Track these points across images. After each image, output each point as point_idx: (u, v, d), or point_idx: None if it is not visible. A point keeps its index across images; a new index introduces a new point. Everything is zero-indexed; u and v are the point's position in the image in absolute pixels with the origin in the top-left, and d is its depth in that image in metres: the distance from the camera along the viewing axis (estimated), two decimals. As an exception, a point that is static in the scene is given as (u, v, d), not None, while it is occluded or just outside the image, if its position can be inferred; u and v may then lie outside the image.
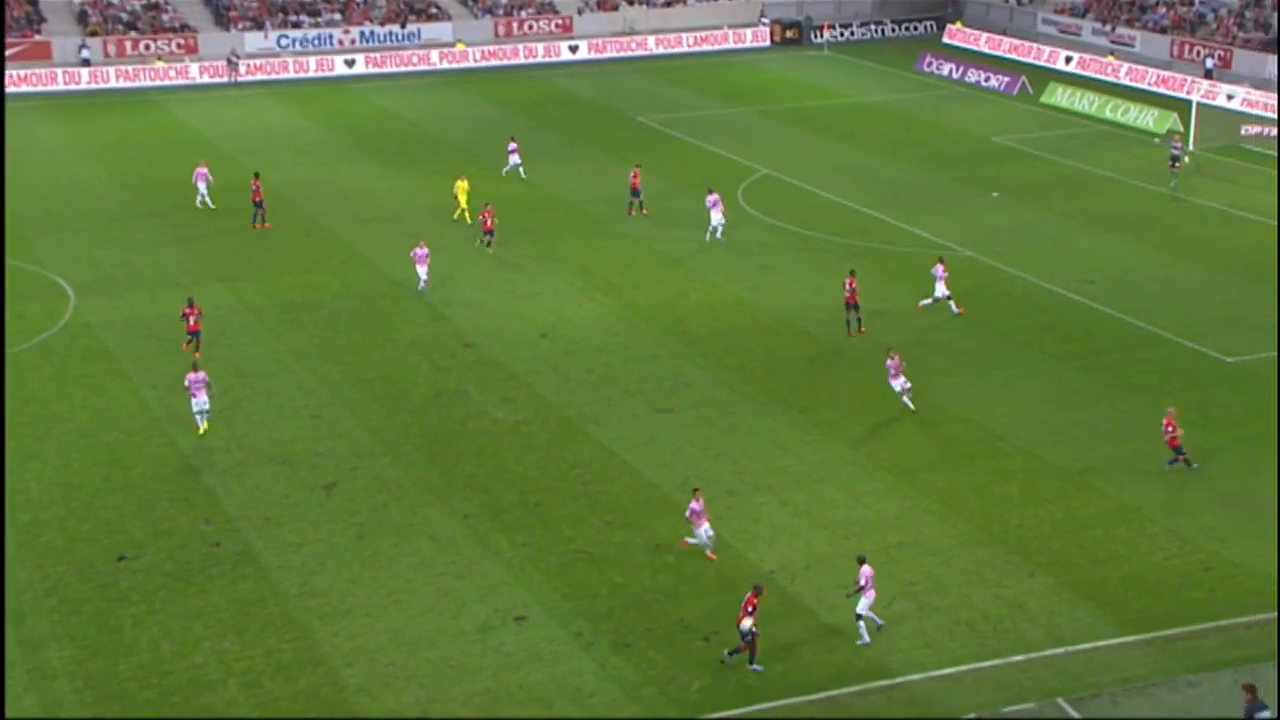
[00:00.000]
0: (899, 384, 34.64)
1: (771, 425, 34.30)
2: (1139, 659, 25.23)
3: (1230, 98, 59.61)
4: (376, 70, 75.46)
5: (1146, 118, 62.25)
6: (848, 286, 39.56)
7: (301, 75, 74.29)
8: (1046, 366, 37.37)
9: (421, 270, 42.56)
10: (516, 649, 25.72)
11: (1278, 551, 28.13)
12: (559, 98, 70.28)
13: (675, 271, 44.71)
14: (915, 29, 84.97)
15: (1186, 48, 70.53)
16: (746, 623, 24.75)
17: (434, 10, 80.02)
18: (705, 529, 28.40)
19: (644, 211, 49.91)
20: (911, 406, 34.63)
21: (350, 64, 75.59)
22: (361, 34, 77.42)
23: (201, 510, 30.51)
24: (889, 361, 34.79)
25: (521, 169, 54.26)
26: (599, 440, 33.61)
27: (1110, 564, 28.05)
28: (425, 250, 42.73)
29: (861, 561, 26.11)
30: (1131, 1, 76.67)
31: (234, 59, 73.38)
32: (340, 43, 76.96)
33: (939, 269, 40.79)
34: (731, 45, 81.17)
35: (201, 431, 33.51)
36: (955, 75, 73.39)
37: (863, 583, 25.76)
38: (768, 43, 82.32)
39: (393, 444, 33.54)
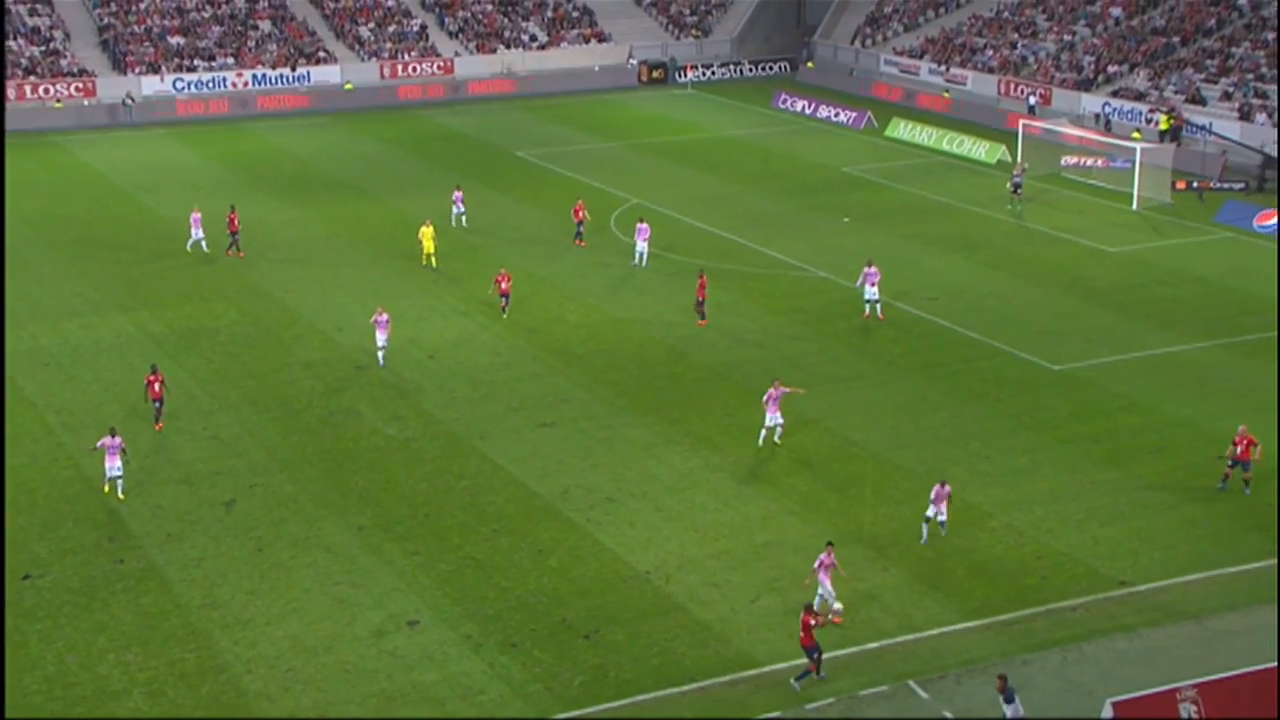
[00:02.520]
0: (772, 418, 33.22)
1: (646, 436, 34.31)
2: (980, 642, 25.62)
3: (1050, 131, 60.96)
4: (269, 110, 74.45)
5: (978, 149, 63.54)
6: (700, 284, 41.59)
7: (197, 116, 73.02)
8: (895, 377, 37.89)
9: (380, 337, 38.29)
10: (409, 652, 25.38)
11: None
12: (442, 135, 69.85)
13: (554, 295, 44.60)
14: (771, 69, 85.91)
15: (1012, 86, 72.13)
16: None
17: (322, 54, 79.12)
18: (826, 587, 26.11)
19: (581, 243, 49.19)
20: (777, 442, 33.41)
21: (243, 105, 74.49)
22: (254, 76, 76.26)
23: (105, 529, 29.71)
24: (771, 391, 33.45)
25: (464, 217, 51.77)
26: (484, 454, 33.36)
27: (955, 557, 28.47)
28: (386, 317, 38.71)
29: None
30: (963, 44, 78.27)
31: (129, 101, 71.87)
32: (233, 85, 75.73)
33: (871, 271, 41.33)
34: (602, 85, 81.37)
35: (121, 497, 30.75)
36: (808, 111, 74.27)
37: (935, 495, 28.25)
38: (636, 82, 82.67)
39: (289, 462, 32.97)
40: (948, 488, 28.89)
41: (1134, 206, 54.31)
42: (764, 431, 33.37)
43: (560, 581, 27.75)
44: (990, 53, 76.11)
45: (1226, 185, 56.21)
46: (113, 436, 31.21)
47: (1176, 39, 70.01)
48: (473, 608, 26.79)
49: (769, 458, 33.02)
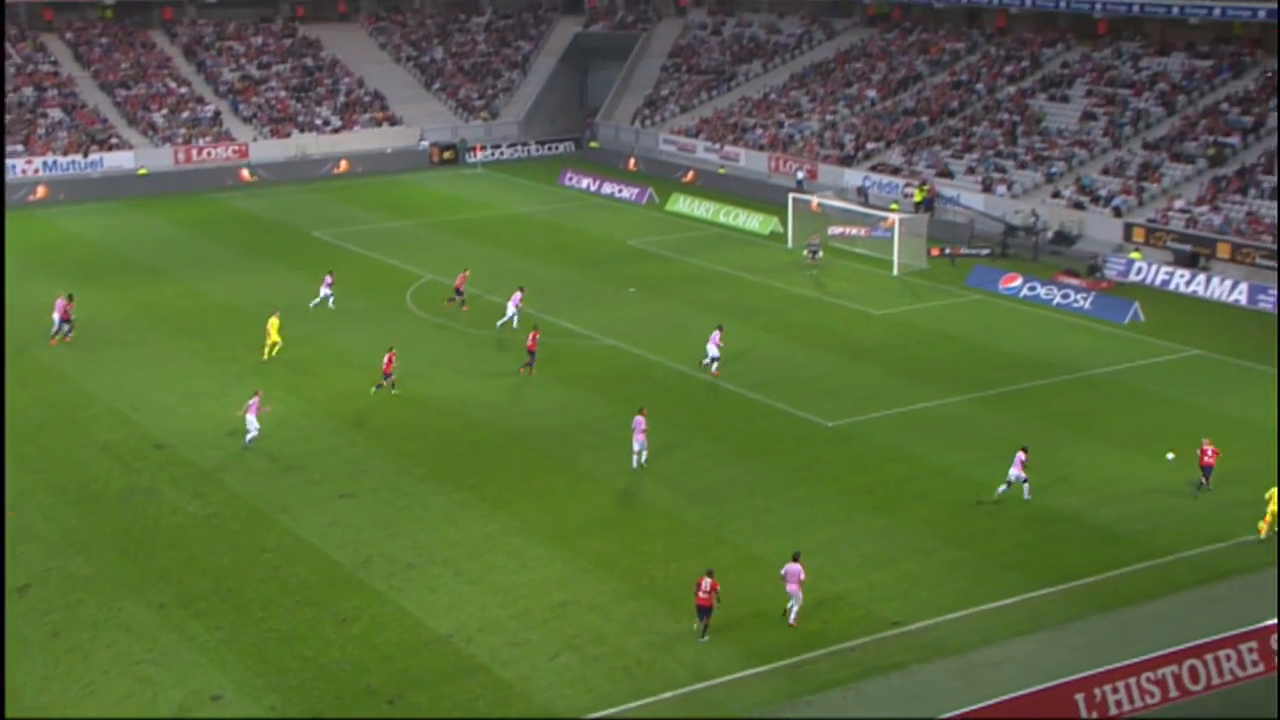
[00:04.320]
0: (639, 444, 35.40)
1: (445, 503, 33.97)
2: (768, 686, 25.97)
3: (818, 205, 62.82)
4: (61, 197, 71.73)
5: (752, 221, 65.21)
6: (531, 338, 43.29)
7: (-13, 201, 69.96)
8: (682, 437, 38.36)
9: (251, 418, 37.11)
10: (213, 728, 24.47)
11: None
12: (237, 217, 68.41)
13: (351, 369, 43.92)
14: (557, 148, 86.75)
15: (781, 162, 74.38)
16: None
17: (115, 140, 76.78)
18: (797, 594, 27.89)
19: (465, 308, 49.91)
20: (644, 465, 35.46)
21: (34, 191, 71.64)
22: (45, 163, 73.48)
23: (-108, 621, 27.89)
24: (638, 419, 35.60)
25: (331, 300, 50.44)
26: (286, 526, 32.53)
27: (742, 606, 28.84)
28: (258, 401, 37.66)
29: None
30: (735, 124, 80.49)
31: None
32: (24, 172, 72.79)
33: (715, 335, 43.47)
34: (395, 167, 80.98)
35: None
36: (593, 188, 75.16)
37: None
38: (428, 163, 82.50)
39: (86, 543, 31.57)
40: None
41: (895, 272, 56.40)
42: (634, 456, 35.43)
43: (363, 649, 27.15)
44: (760, 131, 78.40)
45: (974, 252, 58.86)
46: None
47: (925, 118, 73.33)
48: (276, 679, 25.98)
49: (568, 518, 33.03)
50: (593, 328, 48.46)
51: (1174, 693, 25.05)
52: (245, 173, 76.98)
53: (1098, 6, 72.27)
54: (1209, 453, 34.21)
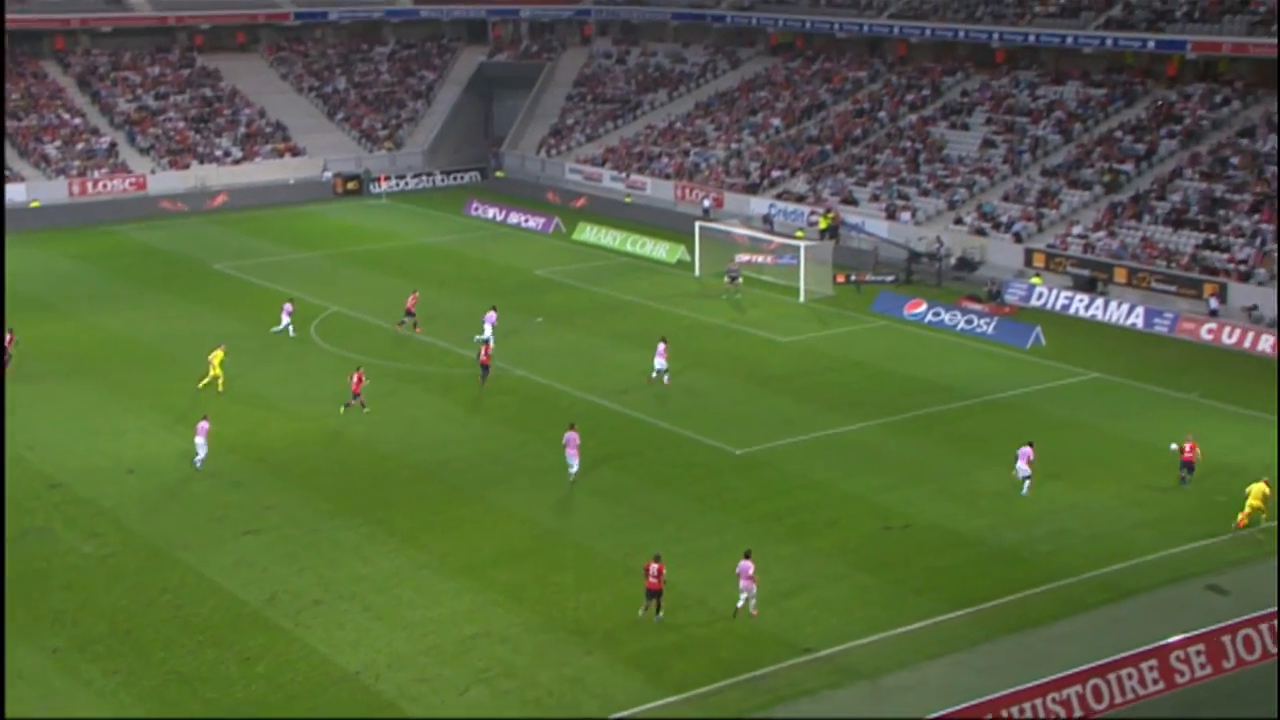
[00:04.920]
0: (571, 460, 36.83)
1: (352, 538, 33.57)
2: (680, 715, 25.94)
3: (724, 231, 63.26)
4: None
5: (659, 250, 65.50)
6: (483, 352, 44.94)
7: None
8: (592, 468, 38.24)
9: (200, 440, 37.53)
10: (112, 775, 23.86)
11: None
12: (136, 250, 67.26)
13: (256, 404, 43.31)
14: (462, 178, 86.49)
15: (687, 191, 74.89)
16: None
17: (6, 173, 75.14)
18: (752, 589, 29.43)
19: (418, 329, 50.51)
20: (573, 473, 36.74)
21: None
22: (-66, 194, 71.73)
23: None
24: (569, 435, 37.08)
25: (291, 329, 50.37)
26: (188, 565, 31.92)
27: (654, 636, 28.83)
28: (207, 424, 37.98)
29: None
30: (640, 153, 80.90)
31: None
32: (-89, 203, 70.99)
33: (661, 347, 45.18)
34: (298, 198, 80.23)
35: None
36: (499, 218, 75.03)
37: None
38: (331, 194, 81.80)
39: (-22, 588, 30.68)
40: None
41: (801, 299, 56.97)
42: (570, 473, 36.70)
43: (268, 689, 26.69)
44: (666, 160, 78.89)
45: (879, 278, 59.67)
46: None
47: (829, 146, 74.30)
48: (179, 724, 25.45)
49: (478, 550, 32.81)
50: (501, 358, 48.25)
51: (1078, 712, 25.48)
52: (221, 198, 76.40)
53: (995, 36, 73.94)
54: (1188, 449, 36.73)
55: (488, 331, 48.71)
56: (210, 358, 44.39)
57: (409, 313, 51.49)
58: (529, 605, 30.14)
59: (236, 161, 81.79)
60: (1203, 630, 27.18)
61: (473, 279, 61.03)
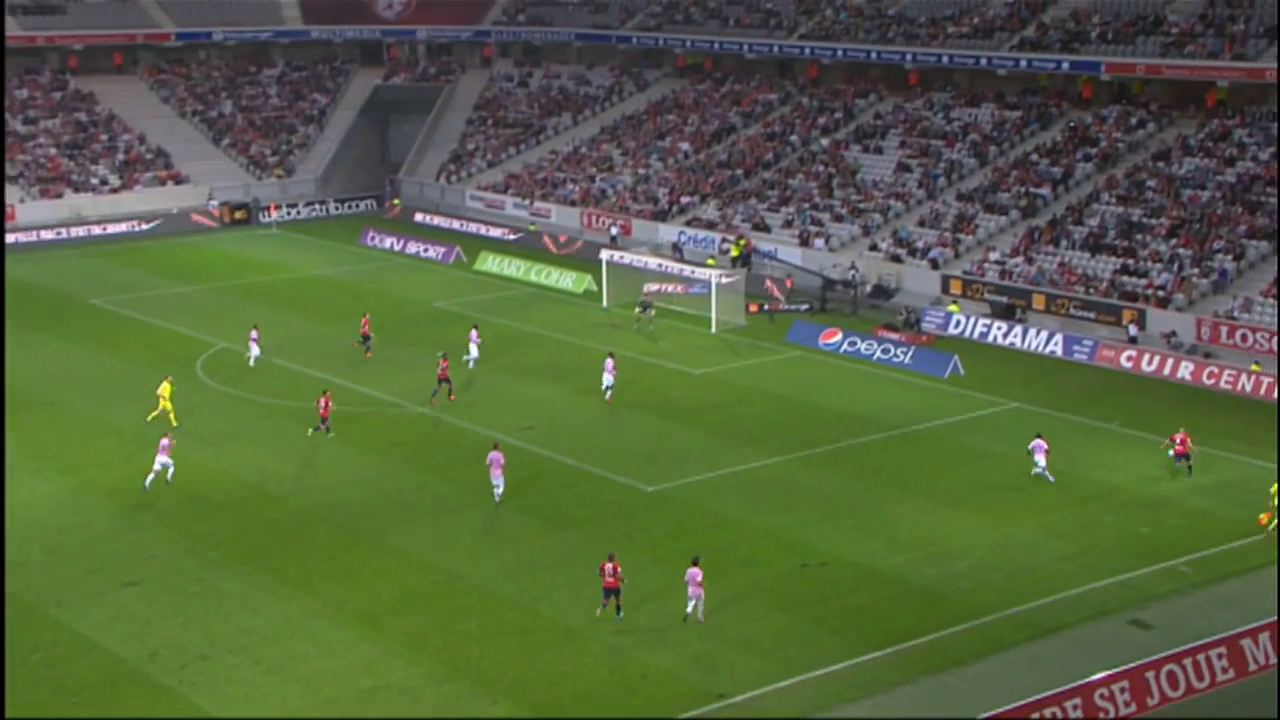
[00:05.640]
0: (497, 480, 38.06)
1: (241, 587, 33.07)
2: (593, 767, 25.87)
3: (632, 262, 63.34)
4: None
5: (566, 279, 65.60)
6: (440, 365, 46.59)
7: None
8: (490, 509, 38.09)
9: (163, 460, 38.83)
10: None
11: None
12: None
13: (136, 447, 42.55)
14: (358, 207, 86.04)
15: (594, 218, 75.16)
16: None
17: None
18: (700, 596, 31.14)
19: (368, 354, 52.40)
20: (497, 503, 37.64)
21: None
22: None
23: None
24: (493, 454, 38.16)
25: (254, 360, 50.99)
26: (62, 622, 31.19)
27: (561, 683, 28.73)
28: (170, 442, 39.24)
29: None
30: (544, 179, 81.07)
31: None
32: None
33: (609, 363, 47.23)
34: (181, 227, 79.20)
35: None
36: (397, 248, 74.68)
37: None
38: (218, 224, 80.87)
39: None
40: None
41: (713, 330, 57.35)
42: (496, 494, 37.97)
43: (152, 752, 26.16)
44: (571, 186, 79.14)
45: (794, 307, 60.27)
46: None
47: (740, 171, 75.05)
48: (53, 791, 24.83)
49: (376, 598, 32.47)
50: (400, 394, 47.98)
51: (1002, 752, 25.78)
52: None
53: (908, 58, 75.34)
54: (1178, 440, 40.10)
55: (474, 351, 51.03)
56: (159, 391, 44.34)
57: (365, 337, 52.87)
58: (430, 654, 29.89)
59: (114, 190, 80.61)
60: (1127, 667, 27.67)
61: (369, 312, 60.53)
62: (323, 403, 43.35)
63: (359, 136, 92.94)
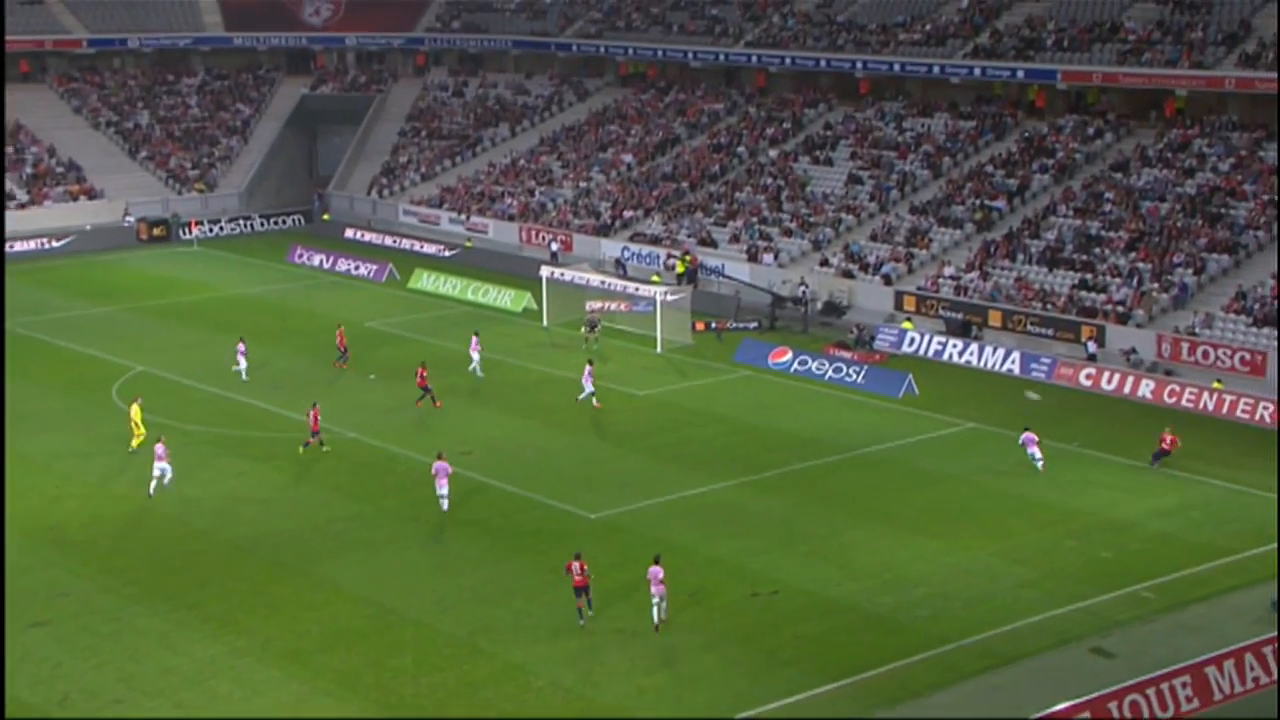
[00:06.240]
0: (441, 489, 39.20)
1: (160, 626, 32.65)
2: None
3: (573, 279, 63.24)
4: None
5: (504, 298, 65.49)
6: (420, 375, 48.81)
7: None
8: (429, 538, 37.88)
9: (161, 465, 40.49)
10: None
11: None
12: (-91, 304, 64.88)
13: (46, 477, 42.00)
14: (284, 223, 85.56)
15: (533, 234, 75.12)
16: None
17: None
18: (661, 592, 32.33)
19: (345, 365, 54.04)
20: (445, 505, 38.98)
21: None
22: None
23: None
24: (437, 464, 39.26)
25: (244, 374, 52.25)
26: (-32, 664, 30.66)
27: (502, 721, 28.59)
28: (165, 447, 40.82)
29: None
30: (482, 193, 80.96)
31: None
32: None
33: (588, 369, 49.47)
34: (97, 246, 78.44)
35: None
36: (326, 265, 74.29)
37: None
38: (135, 240, 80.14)
39: None
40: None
41: (658, 349, 57.41)
42: (440, 500, 39.13)
43: (65, 801, 25.74)
44: (509, 200, 79.08)
45: (741, 325, 60.47)
46: None
47: (685, 184, 75.30)
48: (-41, 845, 24.34)
49: (305, 634, 32.15)
50: (329, 419, 47.56)
51: (963, 787, 25.85)
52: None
53: (858, 66, 75.96)
54: (1168, 440, 42.88)
55: (477, 358, 52.97)
56: (131, 415, 44.55)
57: (342, 351, 53.80)
58: (362, 693, 29.62)
59: (22, 205, 79.65)
60: (1089, 697, 27.84)
61: (296, 333, 60.25)
62: (312, 415, 43.97)
63: (285, 149, 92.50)
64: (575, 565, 32.38)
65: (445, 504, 39.26)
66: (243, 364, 52.22)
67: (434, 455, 40.17)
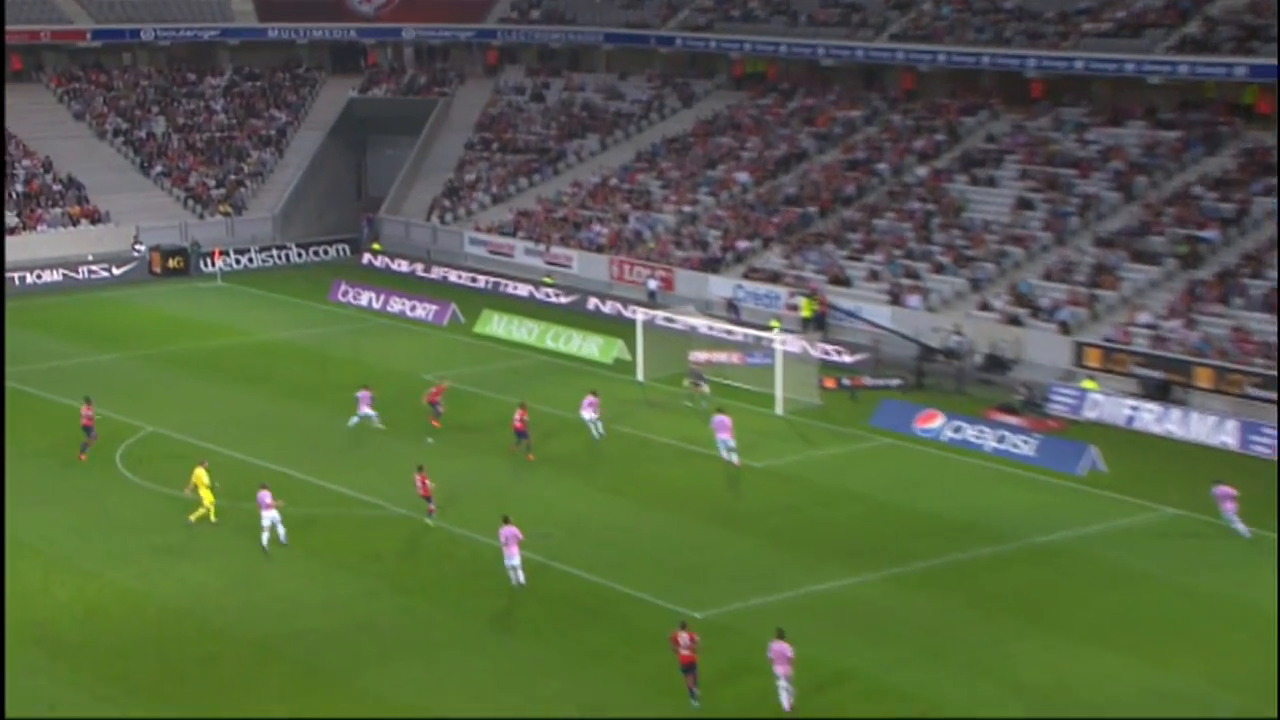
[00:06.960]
0: (514, 561, 40.35)
1: (168, 744, 33.15)
2: None
3: (671, 321, 63.51)
4: None
5: (590, 346, 65.82)
6: (518, 417, 51.29)
7: None
8: (495, 639, 38.05)
9: (270, 515, 43.10)
10: None
11: None
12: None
13: (36, 562, 42.76)
14: (326, 253, 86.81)
15: (627, 268, 75.52)
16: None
17: None
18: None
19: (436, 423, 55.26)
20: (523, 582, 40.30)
21: None
22: None
23: None
24: (504, 530, 40.47)
25: (375, 421, 54.68)
26: (-59, 784, 31.24)
27: None
28: (268, 495, 43.09)
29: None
30: (564, 218, 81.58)
31: None
32: None
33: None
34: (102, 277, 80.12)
35: None
36: (376, 305, 75.25)
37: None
38: (146, 274, 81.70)
39: None
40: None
41: (778, 410, 57.35)
42: (511, 573, 40.38)
43: None
44: (598, 227, 79.60)
45: (881, 382, 60.27)
46: None
47: (813, 209, 75.34)
48: None
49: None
50: (377, 493, 48.07)
51: None
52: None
53: (1030, 63, 75.64)
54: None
55: (589, 415, 53.87)
56: (195, 480, 45.49)
57: (433, 404, 55.36)
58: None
59: (12, 230, 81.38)
60: None
61: (339, 387, 60.74)
62: (419, 481, 45.20)
63: (328, 164, 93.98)
64: (683, 637, 33.21)
65: (518, 575, 40.12)
66: (372, 413, 54.32)
67: (500, 522, 40.53)
